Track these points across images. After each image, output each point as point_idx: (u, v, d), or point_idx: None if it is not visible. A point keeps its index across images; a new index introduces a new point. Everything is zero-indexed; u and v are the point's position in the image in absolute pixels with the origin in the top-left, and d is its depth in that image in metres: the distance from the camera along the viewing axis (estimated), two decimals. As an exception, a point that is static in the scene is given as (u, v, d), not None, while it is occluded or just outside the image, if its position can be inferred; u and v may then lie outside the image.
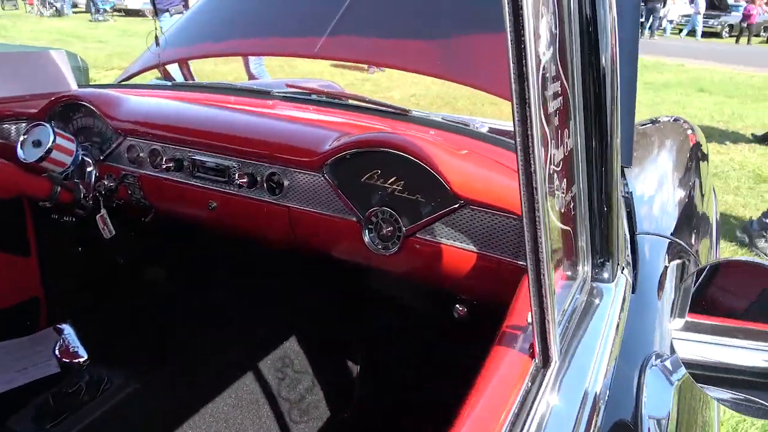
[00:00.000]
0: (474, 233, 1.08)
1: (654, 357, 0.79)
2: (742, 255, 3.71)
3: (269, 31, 1.85)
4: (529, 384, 0.62)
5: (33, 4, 18.61)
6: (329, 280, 1.80)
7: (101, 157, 1.60)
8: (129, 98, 1.62)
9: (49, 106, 1.65)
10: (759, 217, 3.76)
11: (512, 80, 0.51)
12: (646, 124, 2.16)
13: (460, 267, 1.11)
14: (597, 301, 0.81)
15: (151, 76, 2.41)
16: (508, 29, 0.49)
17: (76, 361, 1.46)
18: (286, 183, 1.30)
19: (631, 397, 0.74)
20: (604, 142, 0.75)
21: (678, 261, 1.17)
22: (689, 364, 0.68)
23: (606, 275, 0.84)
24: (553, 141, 0.61)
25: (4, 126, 1.74)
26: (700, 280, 0.72)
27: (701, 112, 7.82)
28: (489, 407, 0.60)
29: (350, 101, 1.67)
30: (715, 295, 0.71)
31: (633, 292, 0.90)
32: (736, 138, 6.45)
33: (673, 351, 0.74)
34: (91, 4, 17.93)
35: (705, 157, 2.01)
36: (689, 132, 2.16)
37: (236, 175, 1.36)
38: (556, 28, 0.61)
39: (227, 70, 7.63)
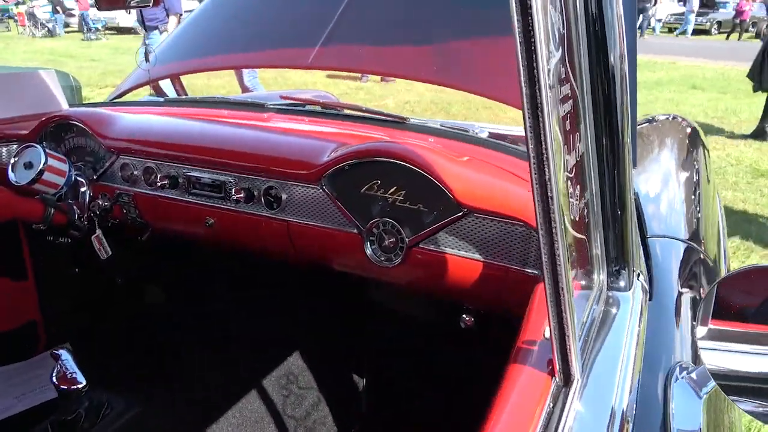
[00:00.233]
0: (479, 241, 1.05)
1: (679, 369, 0.75)
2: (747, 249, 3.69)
3: (262, 42, 1.83)
4: (551, 405, 0.59)
5: (25, 26, 18.65)
6: (330, 291, 1.77)
7: (95, 177, 1.57)
8: (121, 116, 1.59)
9: (40, 127, 1.63)
10: None
11: (522, 84, 0.48)
12: (642, 123, 2.15)
13: (467, 277, 1.08)
14: (614, 311, 0.78)
15: (144, 93, 2.39)
16: (516, 30, 0.47)
17: (75, 387, 1.42)
18: (284, 197, 1.27)
19: (659, 413, 0.71)
20: (615, 143, 0.73)
21: (692, 264, 1.14)
22: (717, 375, 0.65)
23: (622, 283, 0.81)
24: (565, 146, 0.58)
25: None
26: (725, 286, 0.68)
27: (695, 109, 7.84)
28: None
29: (346, 111, 1.65)
30: (741, 301, 0.68)
31: (650, 300, 0.87)
32: (731, 133, 6.46)
33: (697, 360, 0.71)
34: (83, 23, 17.97)
35: (706, 155, 1.99)
36: (688, 130, 2.15)
37: (233, 190, 1.33)
38: (563, 29, 0.58)
39: (220, 83, 7.63)
